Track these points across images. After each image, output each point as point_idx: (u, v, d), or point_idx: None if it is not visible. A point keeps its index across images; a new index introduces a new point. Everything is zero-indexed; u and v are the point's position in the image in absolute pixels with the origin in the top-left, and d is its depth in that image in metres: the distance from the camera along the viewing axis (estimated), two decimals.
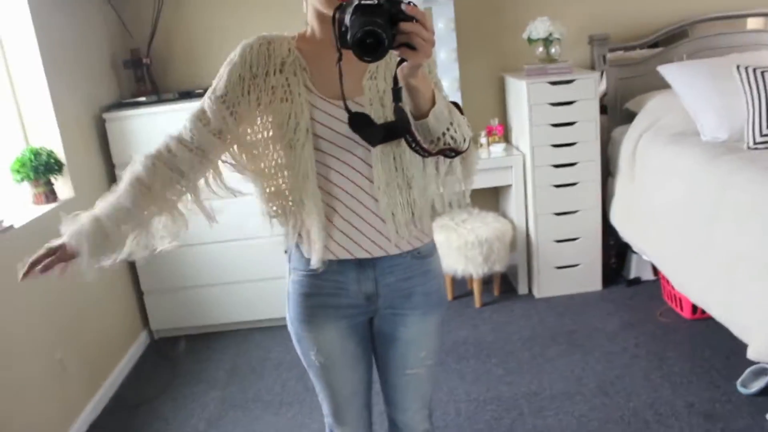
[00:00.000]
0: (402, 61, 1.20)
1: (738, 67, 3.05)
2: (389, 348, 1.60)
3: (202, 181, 1.47)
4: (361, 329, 1.58)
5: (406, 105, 1.27)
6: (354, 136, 1.39)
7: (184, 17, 3.64)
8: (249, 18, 3.62)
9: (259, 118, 1.45)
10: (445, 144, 1.33)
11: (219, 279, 3.47)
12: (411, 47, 1.16)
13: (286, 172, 1.45)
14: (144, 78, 3.60)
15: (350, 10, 1.17)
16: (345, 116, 1.35)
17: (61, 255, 1.38)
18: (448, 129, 1.32)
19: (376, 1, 1.16)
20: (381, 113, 1.40)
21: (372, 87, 1.42)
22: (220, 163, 1.46)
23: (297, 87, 1.40)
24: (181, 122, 1.45)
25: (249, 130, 1.46)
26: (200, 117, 1.42)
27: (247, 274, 3.48)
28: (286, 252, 1.57)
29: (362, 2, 1.16)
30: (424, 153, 1.32)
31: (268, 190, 1.48)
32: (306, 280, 1.51)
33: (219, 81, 1.42)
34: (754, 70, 2.99)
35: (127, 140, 3.28)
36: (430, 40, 1.17)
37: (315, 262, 1.45)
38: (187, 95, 3.47)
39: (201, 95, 3.42)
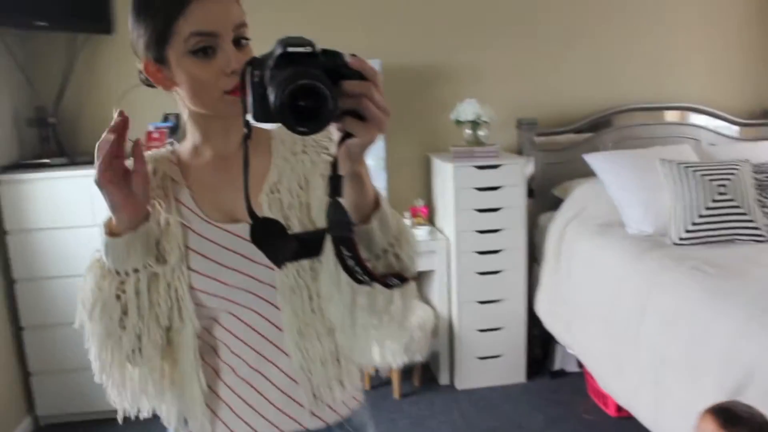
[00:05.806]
0: (345, 138, 0.83)
1: (662, 161, 3.05)
2: None
3: None
4: None
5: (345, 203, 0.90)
6: (255, 272, 1.06)
7: (96, 81, 3.42)
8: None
9: None
10: (387, 266, 0.96)
11: None
12: (359, 117, 0.81)
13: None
14: (49, 138, 3.34)
15: (271, 63, 0.80)
16: (238, 244, 1.05)
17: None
18: (392, 244, 0.96)
19: (309, 50, 0.80)
20: None
21: (273, 203, 1.09)
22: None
23: (169, 211, 1.09)
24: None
25: None
26: None
27: None
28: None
29: (288, 50, 0.79)
30: (365, 275, 0.90)
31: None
32: None
33: None
34: (678, 165, 2.99)
35: (24, 206, 3.00)
36: (385, 108, 0.81)
37: None
38: None
39: None
